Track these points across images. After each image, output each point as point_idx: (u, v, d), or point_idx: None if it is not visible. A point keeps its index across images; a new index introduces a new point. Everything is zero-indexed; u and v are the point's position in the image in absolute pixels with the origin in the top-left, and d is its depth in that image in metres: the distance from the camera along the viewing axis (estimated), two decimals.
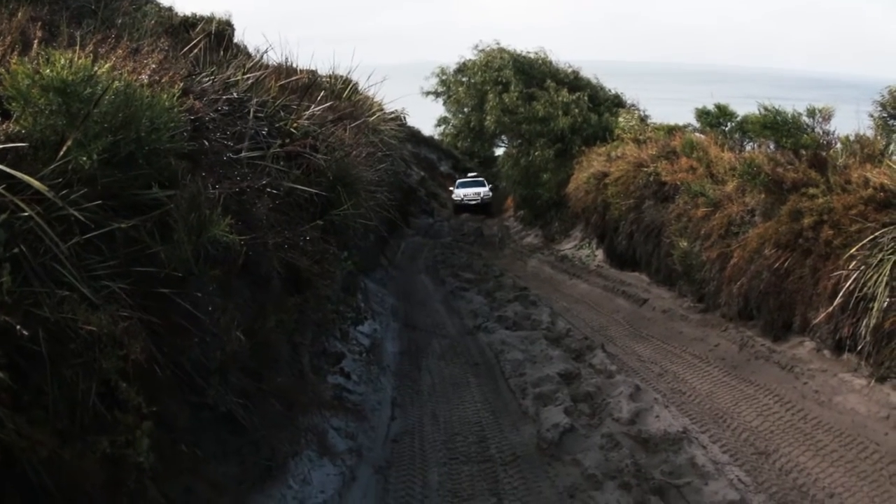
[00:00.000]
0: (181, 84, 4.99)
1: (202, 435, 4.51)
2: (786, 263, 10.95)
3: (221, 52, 9.43)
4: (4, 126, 3.63)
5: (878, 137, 12.51)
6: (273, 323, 5.62)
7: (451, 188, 44.98)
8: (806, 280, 10.57)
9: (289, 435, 6.31)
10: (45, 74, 3.67)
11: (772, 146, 13.61)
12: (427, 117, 35.62)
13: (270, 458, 5.65)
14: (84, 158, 3.60)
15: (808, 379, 9.79)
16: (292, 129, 7.94)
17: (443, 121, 33.66)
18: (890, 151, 11.94)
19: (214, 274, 4.48)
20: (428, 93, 31.93)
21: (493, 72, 28.91)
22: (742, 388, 9.97)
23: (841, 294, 9.44)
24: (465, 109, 30.70)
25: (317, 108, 9.12)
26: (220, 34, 12.11)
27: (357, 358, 10.06)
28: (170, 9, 14.65)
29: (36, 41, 4.91)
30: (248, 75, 8.08)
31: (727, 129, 17.55)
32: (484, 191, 43.47)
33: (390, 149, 14.68)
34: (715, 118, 17.83)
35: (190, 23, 13.08)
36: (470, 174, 48.01)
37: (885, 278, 8.78)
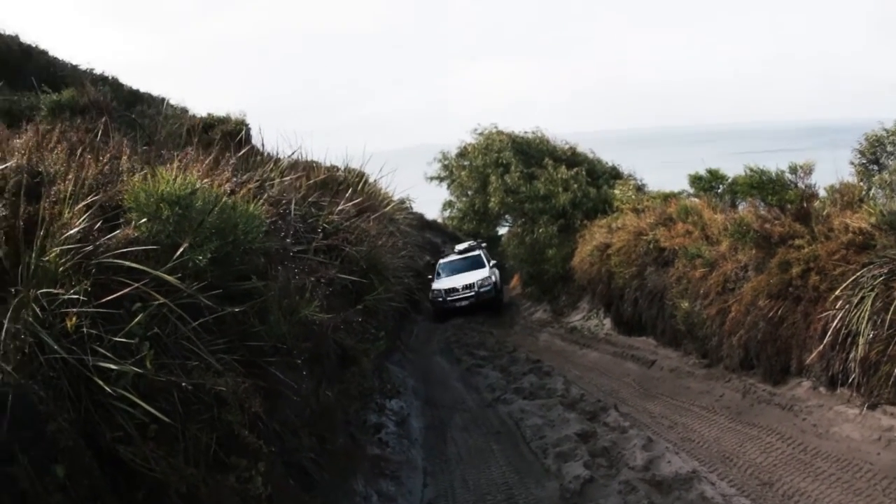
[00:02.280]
0: (265, 196, 5.98)
1: (283, 485, 5.32)
2: (779, 312, 11.71)
3: (250, 154, 10.39)
4: (126, 231, 4.56)
5: (861, 183, 13.35)
6: (336, 392, 6.48)
7: (429, 277, 32.95)
8: (799, 325, 11.33)
9: (345, 491, 7.13)
10: (165, 191, 4.61)
11: (760, 204, 14.36)
12: (430, 200, 35.31)
13: None
14: (200, 258, 4.52)
15: (806, 415, 10.53)
16: (325, 225, 8.83)
17: (448, 204, 34.40)
18: (871, 196, 12.75)
19: (306, 346, 5.41)
20: (432, 178, 32.90)
21: (493, 154, 29.90)
22: (746, 431, 10.66)
23: (829, 333, 10.24)
24: (469, 192, 31.57)
25: (345, 206, 10.01)
26: (237, 134, 13.04)
27: (391, 430, 10.80)
28: (185, 110, 15.60)
29: (125, 157, 5.93)
30: (284, 178, 9.00)
31: (720, 191, 18.29)
32: (482, 275, 31.54)
33: (406, 236, 15.49)
34: (707, 182, 18.58)
35: (208, 124, 13.97)
36: (459, 246, 35.27)
37: (867, 313, 9.58)
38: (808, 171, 13.08)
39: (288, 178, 9.19)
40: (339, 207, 9.88)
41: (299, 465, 5.61)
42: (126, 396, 3.73)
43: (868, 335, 9.53)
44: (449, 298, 31.59)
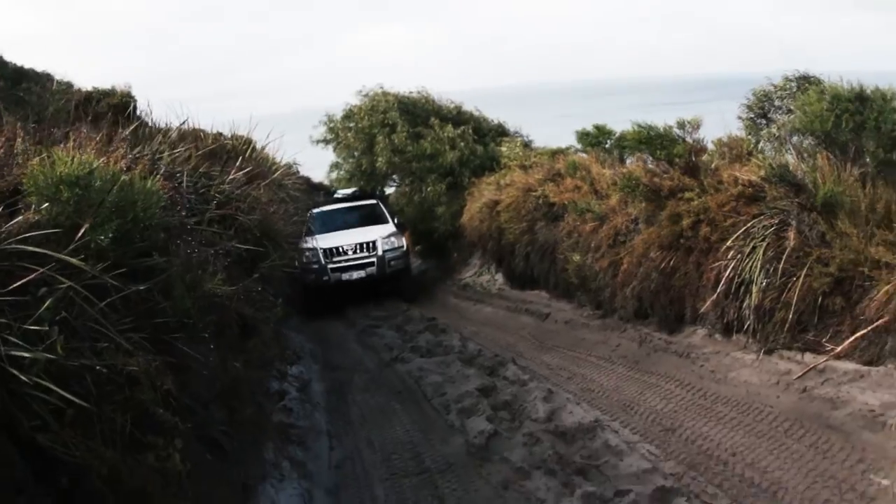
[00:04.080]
0: (161, 172, 5.92)
1: (200, 459, 5.31)
2: (671, 263, 12.00)
3: (139, 128, 10.24)
4: (27, 216, 4.48)
5: (748, 136, 13.72)
6: (241, 363, 6.48)
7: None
8: (691, 275, 11.65)
9: (257, 460, 7.15)
10: (64, 172, 4.52)
11: (649, 158, 14.59)
12: (317, 164, 32.98)
13: (247, 480, 6.47)
14: (101, 238, 4.46)
15: (703, 362, 10.86)
16: (217, 195, 8.73)
17: (335, 166, 33.09)
18: (760, 149, 13.12)
19: (211, 320, 5.39)
20: (318, 141, 31.88)
21: (379, 115, 29.46)
22: (645, 379, 10.95)
23: (723, 282, 10.61)
24: (356, 154, 30.83)
25: (235, 174, 9.93)
26: (124, 106, 12.80)
27: (293, 396, 10.80)
28: (70, 84, 15.24)
29: (20, 139, 5.83)
30: (175, 150, 8.88)
31: (607, 146, 18.50)
32: (387, 232, 22.50)
33: (296, 201, 15.39)
34: (595, 138, 18.76)
35: (94, 98, 13.68)
36: (343, 191, 27.74)
37: (759, 262, 10.00)
38: (696, 125, 13.35)
39: (179, 150, 9.08)
40: (231, 177, 9.78)
41: (211, 438, 5.61)
42: (40, 384, 3.68)
43: (761, 283, 9.93)
44: (332, 267, 21.17)
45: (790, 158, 11.22)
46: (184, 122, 11.79)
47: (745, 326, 10.47)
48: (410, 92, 31.18)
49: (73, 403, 3.78)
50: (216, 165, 10.22)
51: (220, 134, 13.73)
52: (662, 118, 14.09)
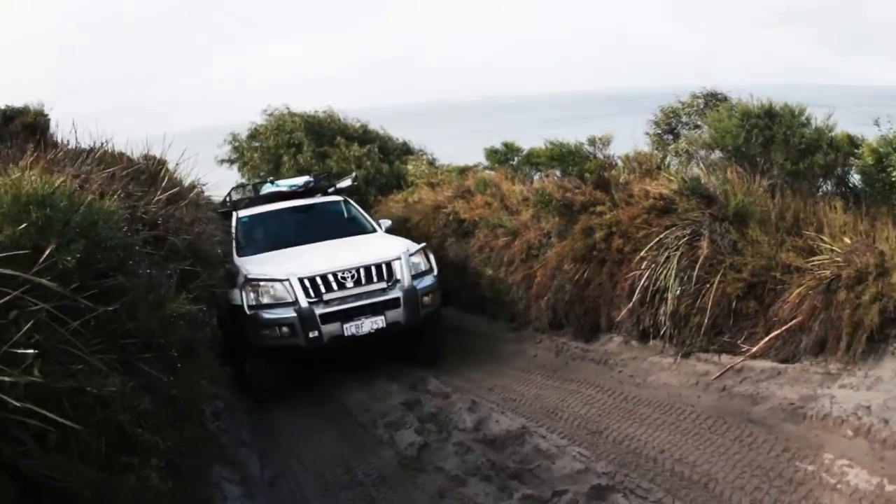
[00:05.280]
0: (120, 193, 5.98)
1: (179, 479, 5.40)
2: (585, 274, 12.35)
3: (65, 147, 10.21)
4: None
5: (656, 152, 14.24)
6: (191, 382, 6.56)
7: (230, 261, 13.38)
8: (605, 285, 12.03)
9: (205, 479, 7.23)
10: (28, 192, 4.58)
11: (559, 174, 14.96)
12: (222, 184, 31.19)
13: (198, 498, 6.55)
14: (68, 259, 4.51)
15: (622, 367, 11.24)
16: (143, 216, 8.75)
17: (240, 187, 32.13)
18: (667, 163, 13.63)
19: (178, 338, 5.47)
20: (222, 160, 31.42)
21: (285, 134, 29.47)
22: (566, 387, 11.22)
23: (638, 291, 11.00)
24: (261, 174, 30.12)
25: (160, 195, 9.94)
26: (39, 126, 12.62)
27: (224, 415, 10.80)
28: None
29: None
30: (103, 171, 8.87)
31: (515, 163, 18.81)
32: (402, 248, 12.75)
33: (213, 222, 15.27)
34: (503, 155, 19.09)
35: (8, 115, 13.42)
36: (285, 182, 17.57)
37: (674, 271, 10.44)
38: (607, 142, 13.79)
39: (108, 170, 9.08)
40: (156, 198, 9.79)
41: (167, 460, 5.67)
42: (20, 408, 3.69)
43: (676, 290, 10.34)
44: (323, 313, 11.84)
45: (699, 172, 11.69)
46: (107, 142, 11.67)
47: (662, 332, 10.92)
48: (316, 111, 31.11)
49: (55, 427, 3.83)
50: (137, 187, 10.20)
51: (124, 154, 13.60)
52: (568, 132, 14.44)
